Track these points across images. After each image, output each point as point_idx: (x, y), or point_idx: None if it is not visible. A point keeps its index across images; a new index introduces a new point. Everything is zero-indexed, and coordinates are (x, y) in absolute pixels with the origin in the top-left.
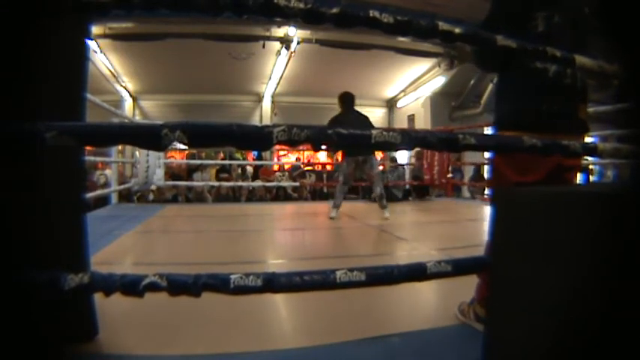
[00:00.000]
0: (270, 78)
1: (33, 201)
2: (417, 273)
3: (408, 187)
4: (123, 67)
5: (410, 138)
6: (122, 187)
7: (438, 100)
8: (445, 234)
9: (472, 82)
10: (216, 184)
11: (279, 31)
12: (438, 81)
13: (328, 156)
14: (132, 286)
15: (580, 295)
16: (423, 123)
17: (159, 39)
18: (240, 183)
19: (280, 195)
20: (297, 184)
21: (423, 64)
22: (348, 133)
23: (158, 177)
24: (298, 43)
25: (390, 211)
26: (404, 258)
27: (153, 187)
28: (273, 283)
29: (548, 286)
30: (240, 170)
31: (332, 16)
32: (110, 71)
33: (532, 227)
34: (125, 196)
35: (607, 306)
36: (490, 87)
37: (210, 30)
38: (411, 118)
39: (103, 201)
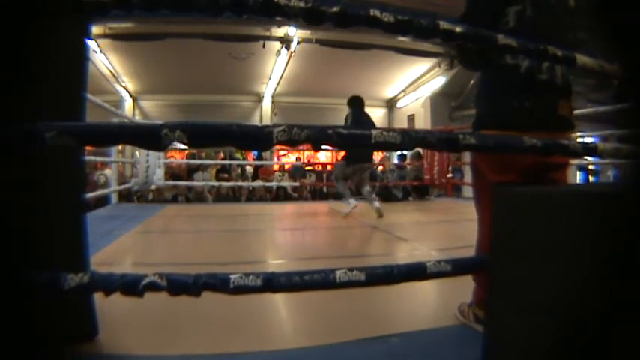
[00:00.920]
0: (270, 78)
1: (33, 201)
2: (416, 272)
3: (407, 187)
4: (123, 67)
5: (410, 138)
6: (122, 187)
7: (438, 100)
8: (445, 234)
9: (472, 82)
10: (217, 184)
11: (279, 31)
12: (438, 81)
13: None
14: (132, 286)
15: (579, 295)
16: (423, 123)
17: (159, 39)
18: (240, 183)
19: (280, 195)
20: (297, 184)
21: (423, 64)
22: (348, 133)
23: (158, 177)
24: (298, 43)
25: (383, 207)
26: (404, 258)
27: (153, 187)
28: (272, 283)
29: (548, 286)
30: (239, 170)
31: (332, 16)
32: (110, 71)
33: (531, 227)
34: (125, 196)
35: (606, 306)
36: None
37: (210, 30)
38: (411, 118)
39: (103, 201)
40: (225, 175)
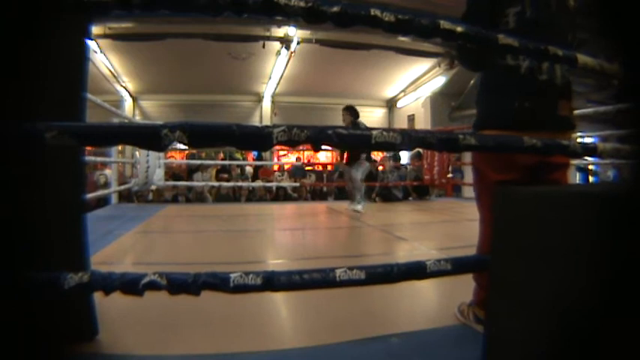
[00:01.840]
0: (270, 78)
1: (33, 201)
2: (416, 271)
3: (407, 187)
4: (123, 67)
5: (410, 138)
6: (122, 187)
7: (438, 100)
8: (445, 234)
9: (472, 82)
10: (217, 184)
11: (279, 31)
12: (438, 81)
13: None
14: (131, 285)
15: (580, 295)
16: (423, 123)
17: (159, 39)
18: (240, 183)
19: (280, 195)
20: (297, 184)
21: (423, 64)
22: (348, 134)
23: (158, 177)
24: (298, 43)
25: (364, 207)
26: (404, 258)
27: (153, 187)
28: (272, 282)
29: (548, 286)
30: (239, 170)
31: (333, 15)
32: (110, 71)
33: (531, 227)
34: (125, 196)
35: (606, 306)
36: None
37: (210, 30)
38: (411, 118)
39: (103, 201)
40: (225, 175)
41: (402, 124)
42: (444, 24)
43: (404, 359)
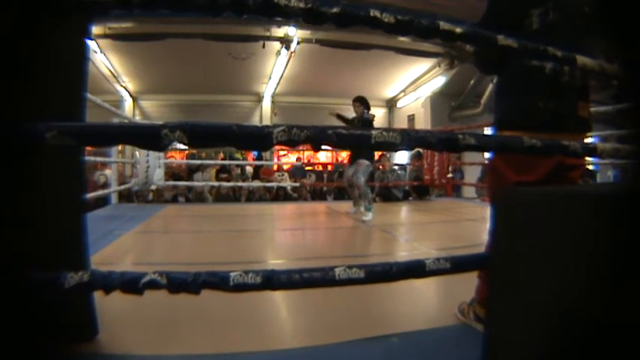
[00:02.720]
0: (270, 78)
1: (33, 201)
2: (415, 270)
3: (407, 187)
4: (123, 67)
5: (410, 138)
6: (122, 187)
7: (438, 100)
8: (445, 234)
9: (472, 82)
10: (217, 184)
11: (279, 31)
12: (438, 81)
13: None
14: (131, 284)
15: (580, 296)
16: (423, 123)
17: (159, 39)
18: (240, 183)
19: (280, 195)
20: (297, 184)
21: (423, 64)
22: (349, 133)
23: (158, 177)
24: (298, 43)
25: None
26: (404, 258)
27: (153, 187)
28: (272, 281)
29: (548, 286)
30: (239, 170)
31: (332, 16)
32: (110, 71)
33: (532, 227)
34: (125, 196)
35: (607, 306)
36: (490, 87)
37: (210, 30)
38: (411, 118)
39: (102, 201)
40: (225, 175)
41: (402, 124)
42: (444, 25)
43: (404, 359)
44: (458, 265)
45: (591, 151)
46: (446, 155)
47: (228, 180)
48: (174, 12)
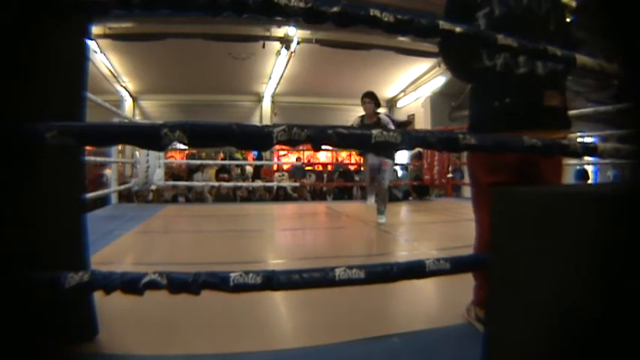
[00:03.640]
0: (270, 78)
1: (33, 201)
2: (415, 270)
3: (407, 187)
4: (123, 67)
5: (410, 138)
6: (122, 187)
7: (438, 100)
8: (445, 234)
9: None
10: (217, 184)
11: (279, 31)
12: (438, 81)
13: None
14: (132, 285)
15: (580, 296)
16: (423, 123)
17: (159, 39)
18: (240, 183)
19: (280, 195)
20: (297, 184)
21: (423, 64)
22: (349, 133)
23: (158, 177)
24: (298, 43)
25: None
26: (404, 258)
27: (153, 187)
28: (272, 281)
29: (548, 286)
30: (239, 170)
31: (332, 15)
32: (110, 71)
33: (531, 227)
34: (125, 196)
35: (606, 306)
36: None
37: (210, 30)
38: (411, 118)
39: (101, 201)
40: (225, 175)
41: None
42: (443, 24)
43: (404, 359)
44: (458, 265)
45: (591, 151)
46: (446, 155)
47: (228, 180)
48: (174, 12)
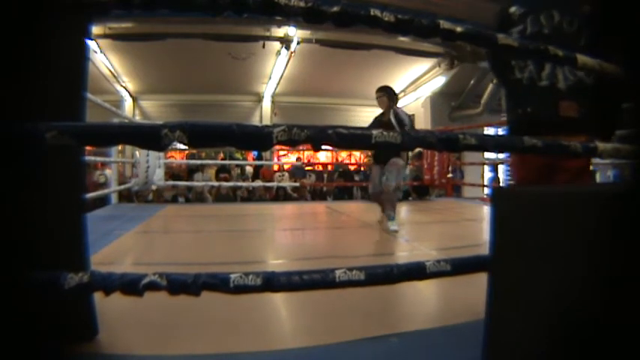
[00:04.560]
0: (270, 78)
1: (33, 201)
2: (416, 272)
3: (407, 187)
4: (123, 67)
5: (410, 138)
6: (122, 187)
7: (438, 100)
8: (446, 234)
9: (472, 82)
10: (217, 184)
11: (279, 31)
12: (438, 81)
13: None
14: (131, 286)
15: (580, 296)
16: (423, 123)
17: (159, 39)
18: (240, 183)
19: (280, 195)
20: (297, 184)
21: (423, 64)
22: (349, 133)
23: (158, 177)
24: (298, 43)
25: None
26: (404, 258)
27: (153, 187)
28: (272, 283)
29: (548, 286)
30: (239, 170)
31: (332, 15)
32: (110, 71)
33: (532, 227)
34: (125, 196)
35: (606, 306)
36: (490, 87)
37: (210, 30)
38: (411, 118)
39: (100, 201)
40: (225, 175)
41: None
42: (444, 24)
43: (404, 359)
44: (458, 267)
45: (591, 151)
46: (446, 155)
47: (228, 180)
48: (174, 12)
